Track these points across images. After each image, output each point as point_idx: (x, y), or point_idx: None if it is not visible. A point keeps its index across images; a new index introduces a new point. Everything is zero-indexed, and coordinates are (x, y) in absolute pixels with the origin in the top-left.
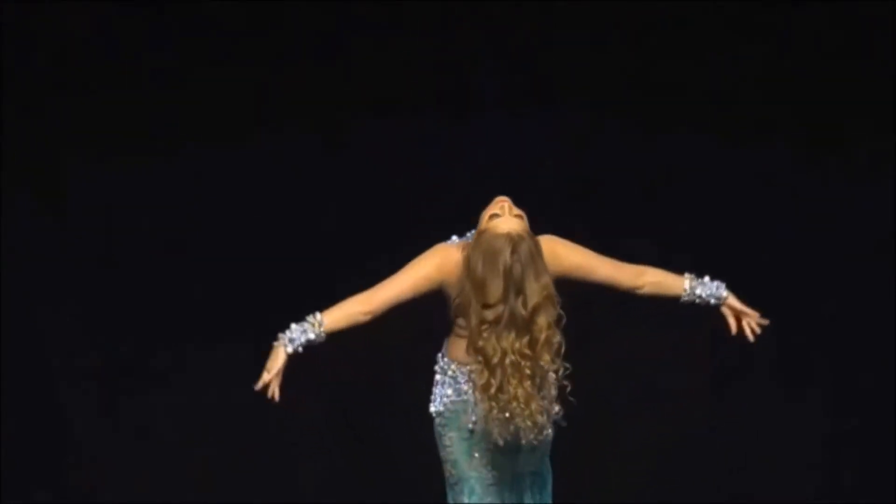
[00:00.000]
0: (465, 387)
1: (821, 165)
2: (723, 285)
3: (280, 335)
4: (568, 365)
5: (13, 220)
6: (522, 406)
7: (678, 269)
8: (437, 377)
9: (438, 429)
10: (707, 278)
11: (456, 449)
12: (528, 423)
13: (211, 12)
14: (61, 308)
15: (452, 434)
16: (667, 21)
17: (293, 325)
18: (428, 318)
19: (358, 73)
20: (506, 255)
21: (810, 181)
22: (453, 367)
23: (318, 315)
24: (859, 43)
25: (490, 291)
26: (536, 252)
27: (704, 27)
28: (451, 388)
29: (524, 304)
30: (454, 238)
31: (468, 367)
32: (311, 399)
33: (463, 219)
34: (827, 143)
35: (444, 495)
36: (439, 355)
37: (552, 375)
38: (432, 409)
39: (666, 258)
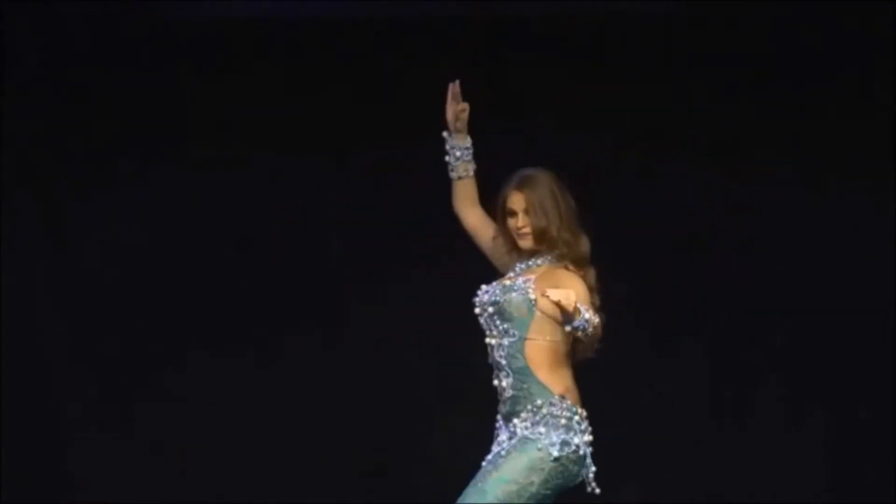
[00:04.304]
0: (588, 437)
1: (819, 180)
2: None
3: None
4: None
5: (13, 221)
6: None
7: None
8: (562, 421)
9: (552, 473)
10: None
11: (552, 492)
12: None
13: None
14: (61, 309)
15: (561, 481)
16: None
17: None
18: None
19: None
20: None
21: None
22: (579, 413)
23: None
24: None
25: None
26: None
27: None
28: (579, 438)
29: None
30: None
31: (584, 412)
32: (310, 401)
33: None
34: (824, 159)
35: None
36: (557, 398)
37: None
38: (556, 453)
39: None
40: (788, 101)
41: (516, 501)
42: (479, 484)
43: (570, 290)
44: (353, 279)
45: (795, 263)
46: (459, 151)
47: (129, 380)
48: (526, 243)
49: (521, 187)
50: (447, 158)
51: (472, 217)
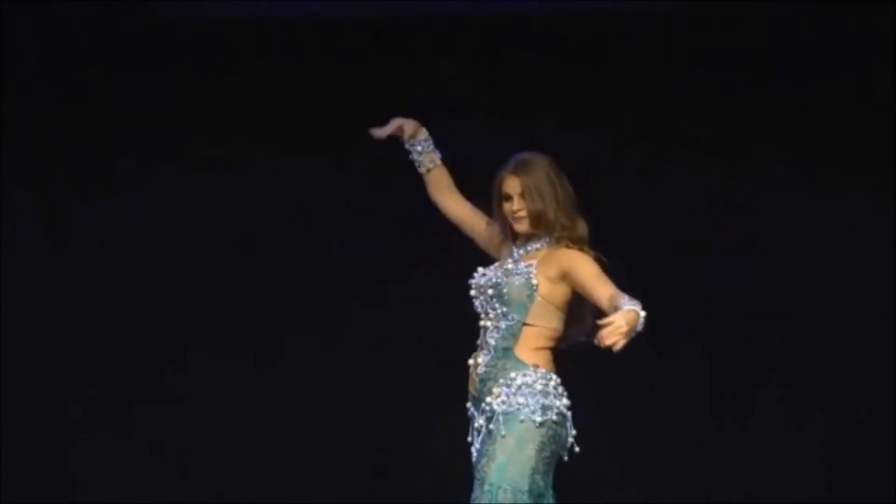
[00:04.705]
0: (566, 400)
1: (819, 180)
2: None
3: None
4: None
5: (13, 221)
6: None
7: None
8: (538, 387)
9: (542, 439)
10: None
11: (550, 461)
12: None
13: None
14: (61, 309)
15: (554, 447)
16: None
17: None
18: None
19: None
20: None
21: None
22: (554, 378)
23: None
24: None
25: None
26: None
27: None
28: (559, 401)
29: None
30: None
31: (558, 378)
32: (310, 401)
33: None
34: (824, 159)
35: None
36: (531, 368)
37: None
38: (539, 418)
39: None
40: (788, 101)
41: (521, 481)
42: (486, 482)
43: (619, 317)
44: (353, 279)
45: (795, 263)
46: (420, 146)
47: (129, 380)
48: (522, 227)
49: (516, 171)
50: (411, 157)
51: (453, 204)
